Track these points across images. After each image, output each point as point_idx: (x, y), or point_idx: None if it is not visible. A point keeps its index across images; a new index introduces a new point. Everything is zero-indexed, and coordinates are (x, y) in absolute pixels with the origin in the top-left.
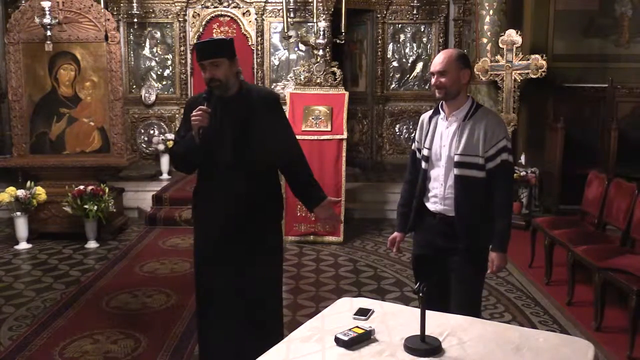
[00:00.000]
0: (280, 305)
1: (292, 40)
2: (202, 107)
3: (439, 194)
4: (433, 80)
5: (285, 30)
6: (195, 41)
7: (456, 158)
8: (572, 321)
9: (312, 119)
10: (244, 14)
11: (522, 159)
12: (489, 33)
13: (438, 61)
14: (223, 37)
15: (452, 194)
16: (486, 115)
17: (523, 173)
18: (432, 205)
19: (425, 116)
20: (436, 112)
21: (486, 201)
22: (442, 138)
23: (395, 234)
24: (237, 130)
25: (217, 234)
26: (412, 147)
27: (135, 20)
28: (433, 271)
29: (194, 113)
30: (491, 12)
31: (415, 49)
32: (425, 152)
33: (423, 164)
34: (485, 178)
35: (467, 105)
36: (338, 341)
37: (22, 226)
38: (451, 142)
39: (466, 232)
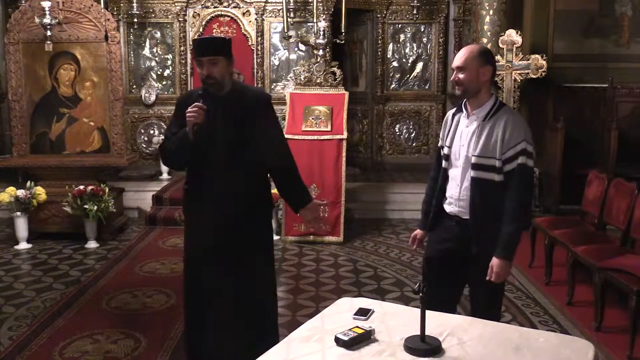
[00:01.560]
0: (274, 305)
1: (292, 40)
2: (198, 104)
3: (454, 195)
4: (453, 75)
5: (285, 30)
6: None
7: (473, 159)
8: (572, 321)
9: (312, 119)
10: (244, 14)
11: None
12: (489, 33)
13: (458, 57)
14: (222, 36)
15: (467, 195)
16: (507, 115)
17: None
18: (448, 206)
19: (449, 113)
20: (459, 110)
21: (503, 206)
22: (462, 137)
23: (417, 231)
24: (229, 130)
25: (207, 233)
26: (438, 144)
27: (135, 20)
28: (444, 275)
29: (189, 110)
30: (491, 12)
31: (415, 49)
32: (446, 150)
33: (444, 163)
34: (502, 182)
35: (489, 104)
36: (338, 341)
37: (22, 226)
38: (469, 142)
39: (480, 237)
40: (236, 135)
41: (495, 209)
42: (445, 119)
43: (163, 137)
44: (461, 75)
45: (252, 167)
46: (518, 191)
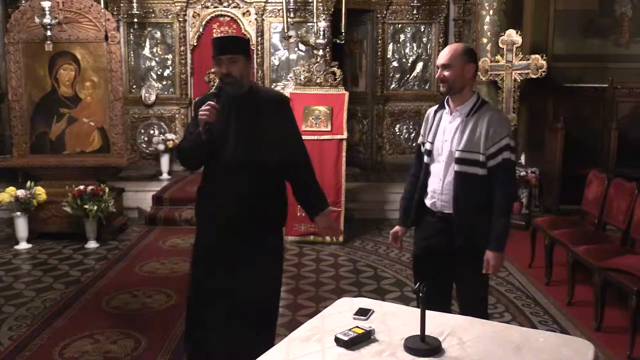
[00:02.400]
0: (276, 308)
1: (292, 40)
2: (211, 102)
3: (437, 189)
4: (437, 73)
5: (285, 30)
6: (195, 41)
7: (457, 154)
8: (572, 321)
9: (312, 119)
10: (244, 14)
11: (522, 159)
12: (489, 33)
13: (443, 54)
14: (241, 36)
15: (449, 190)
16: (490, 111)
17: (523, 173)
18: (429, 200)
19: (431, 110)
20: (442, 107)
21: (486, 200)
22: (444, 133)
23: (397, 227)
24: (243, 130)
25: (217, 232)
26: (419, 141)
27: (135, 20)
28: (433, 271)
29: (202, 108)
30: (491, 12)
31: (415, 49)
32: (428, 146)
33: (425, 158)
34: (486, 176)
35: (471, 100)
36: (338, 341)
37: (22, 226)
38: (453, 138)
39: (464, 230)
40: (252, 136)
41: (477, 202)
42: (426, 115)
43: (182, 138)
44: (446, 73)
45: (266, 168)
46: (506, 185)
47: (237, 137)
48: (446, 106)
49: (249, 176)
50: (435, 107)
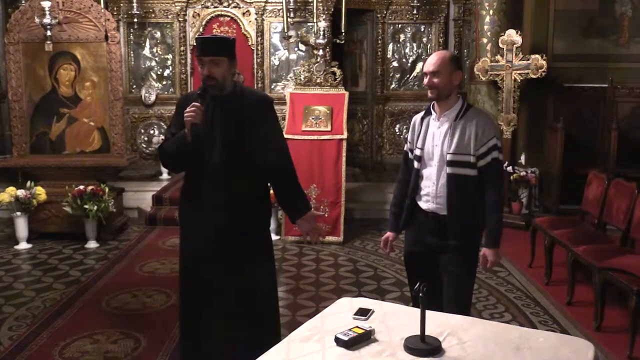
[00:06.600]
0: (275, 307)
1: (292, 40)
2: (196, 104)
3: (431, 193)
4: (426, 80)
5: (285, 30)
6: (195, 41)
7: (448, 157)
8: (572, 321)
9: (312, 119)
10: (244, 14)
11: (522, 159)
12: (489, 33)
13: (431, 62)
14: (226, 36)
15: (444, 192)
16: (477, 114)
17: (523, 173)
18: (425, 203)
19: (417, 117)
20: (428, 113)
21: (477, 199)
22: (434, 138)
23: (388, 233)
24: (228, 131)
25: (203, 234)
26: (405, 148)
27: (135, 20)
28: (424, 268)
29: (187, 110)
30: (491, 12)
31: (415, 49)
32: (417, 152)
33: (415, 164)
34: (476, 176)
35: (458, 105)
36: (338, 341)
37: (22, 226)
38: (443, 142)
39: (458, 230)
40: (235, 137)
41: (470, 201)
42: (412, 123)
43: (162, 138)
44: (436, 80)
45: (251, 169)
46: (496, 184)
47: (222, 138)
48: (432, 112)
49: (234, 177)
50: (421, 114)
